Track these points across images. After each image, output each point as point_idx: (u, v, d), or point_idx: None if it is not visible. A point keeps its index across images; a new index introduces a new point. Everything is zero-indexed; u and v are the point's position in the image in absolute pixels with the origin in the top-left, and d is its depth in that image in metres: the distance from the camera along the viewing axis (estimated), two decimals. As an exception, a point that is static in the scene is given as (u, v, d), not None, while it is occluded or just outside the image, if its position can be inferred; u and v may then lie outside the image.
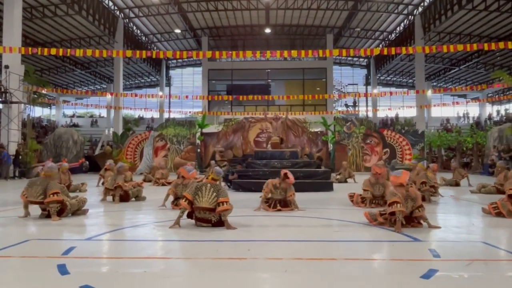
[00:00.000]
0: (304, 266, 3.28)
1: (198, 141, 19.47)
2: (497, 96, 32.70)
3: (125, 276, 3.04)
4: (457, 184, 11.12)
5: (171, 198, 6.73)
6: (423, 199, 7.21)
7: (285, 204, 6.35)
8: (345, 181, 12.65)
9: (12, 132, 15.72)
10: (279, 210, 6.21)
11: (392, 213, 4.65)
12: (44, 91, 21.91)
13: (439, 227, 4.79)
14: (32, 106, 19.96)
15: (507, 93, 30.10)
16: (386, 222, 4.84)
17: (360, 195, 6.93)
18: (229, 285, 2.79)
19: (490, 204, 5.81)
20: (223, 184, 10.19)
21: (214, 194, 4.76)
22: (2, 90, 15.51)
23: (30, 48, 15.28)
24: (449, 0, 22.10)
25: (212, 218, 4.78)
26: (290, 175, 6.29)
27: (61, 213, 5.50)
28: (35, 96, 18.98)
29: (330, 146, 19.56)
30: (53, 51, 15.14)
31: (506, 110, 34.78)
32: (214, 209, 4.75)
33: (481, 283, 2.87)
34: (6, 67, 15.44)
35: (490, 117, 35.59)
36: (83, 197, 6.14)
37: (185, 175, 6.48)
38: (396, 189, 4.78)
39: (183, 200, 4.87)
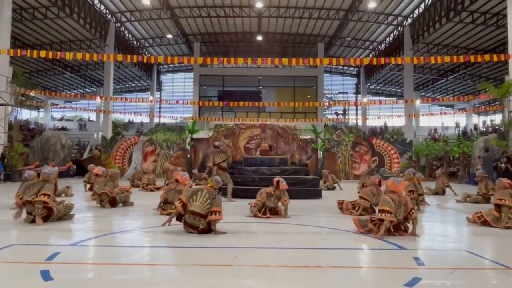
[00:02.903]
0: (290, 273, 3.30)
1: (188, 147, 19.40)
2: (483, 107, 33.34)
3: (110, 282, 3.01)
4: (443, 193, 11.27)
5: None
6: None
7: (275, 212, 6.44)
8: (333, 188, 12.72)
9: (-2, 135, 15.47)
10: (268, 217, 6.25)
11: (381, 219, 4.72)
12: (32, 94, 21.63)
13: (417, 235, 4.83)
14: (19, 109, 19.66)
15: (493, 104, 30.76)
16: (374, 229, 4.88)
17: (351, 202, 6.98)
18: (215, 292, 2.79)
19: (474, 213, 5.90)
20: None
21: (208, 201, 4.80)
22: (-11, 92, 15.27)
23: (19, 50, 15.12)
24: (438, 12, 22.58)
25: (199, 225, 4.78)
26: (282, 182, 6.42)
27: (47, 218, 5.43)
28: (23, 98, 18.69)
29: (320, 153, 19.66)
30: (43, 53, 14.93)
31: (491, 120, 35.45)
32: (203, 215, 4.78)
33: (464, 291, 2.92)
34: (-6, 68, 15.24)
35: (476, 127, 36.23)
36: (70, 203, 6.07)
37: (179, 179, 6.64)
38: (390, 195, 4.85)
39: (178, 201, 4.89)
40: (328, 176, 13.20)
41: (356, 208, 6.78)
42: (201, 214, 4.77)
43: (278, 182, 6.42)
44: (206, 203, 4.77)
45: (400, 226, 4.88)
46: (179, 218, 4.94)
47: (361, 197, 6.79)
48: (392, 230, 4.80)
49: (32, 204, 5.40)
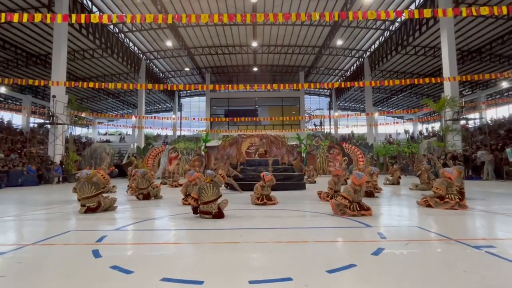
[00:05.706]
0: (284, 247, 3.27)
1: (203, 153, 19.35)
2: (425, 117, 33.52)
3: (146, 258, 2.98)
4: (398, 183, 11.27)
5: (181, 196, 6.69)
6: (371, 194, 7.32)
7: (269, 198, 6.40)
8: (314, 182, 12.67)
9: (57, 147, 15.43)
10: (265, 203, 6.23)
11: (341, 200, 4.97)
12: (83, 115, 21.57)
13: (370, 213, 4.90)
14: (73, 127, 19.58)
15: (433, 115, 30.90)
16: (346, 212, 4.88)
17: (326, 192, 6.95)
18: (227, 263, 2.76)
19: (422, 199, 5.89)
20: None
21: (215, 188, 4.84)
22: (50, 114, 15.27)
23: (73, 82, 15.12)
24: (389, 47, 22.80)
25: (212, 211, 4.76)
26: (266, 175, 6.46)
27: (96, 209, 5.38)
28: (76, 118, 18.63)
29: (303, 155, 19.67)
30: (91, 84, 15.04)
31: (432, 127, 35.59)
32: (215, 200, 4.76)
33: (416, 257, 2.91)
34: (54, 96, 15.25)
35: (420, 133, 36.33)
36: (114, 197, 6.03)
37: (188, 178, 6.54)
38: (352, 185, 4.96)
39: (191, 199, 4.85)
40: (311, 172, 13.10)
41: (329, 196, 6.74)
42: (214, 199, 4.75)
43: (263, 175, 6.47)
44: (214, 190, 4.80)
45: (364, 207, 4.89)
46: (195, 211, 4.90)
47: (329, 188, 6.83)
48: (358, 209, 4.81)
49: (86, 199, 5.36)
